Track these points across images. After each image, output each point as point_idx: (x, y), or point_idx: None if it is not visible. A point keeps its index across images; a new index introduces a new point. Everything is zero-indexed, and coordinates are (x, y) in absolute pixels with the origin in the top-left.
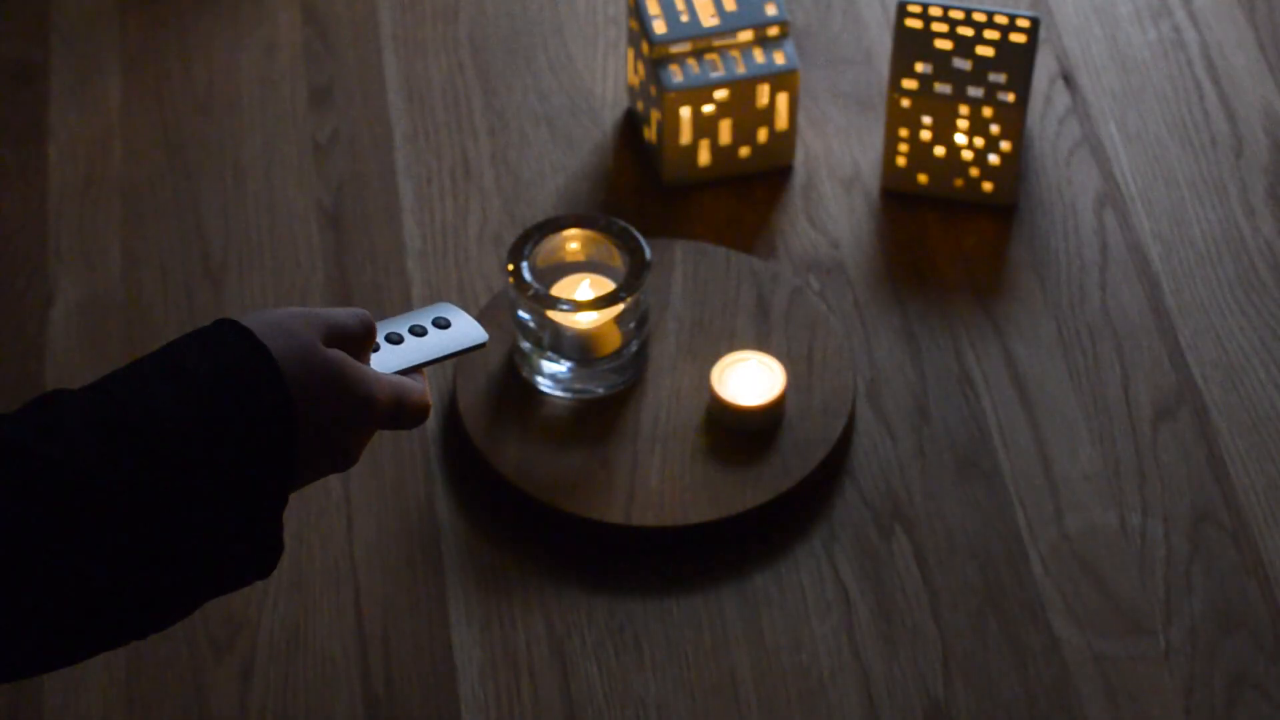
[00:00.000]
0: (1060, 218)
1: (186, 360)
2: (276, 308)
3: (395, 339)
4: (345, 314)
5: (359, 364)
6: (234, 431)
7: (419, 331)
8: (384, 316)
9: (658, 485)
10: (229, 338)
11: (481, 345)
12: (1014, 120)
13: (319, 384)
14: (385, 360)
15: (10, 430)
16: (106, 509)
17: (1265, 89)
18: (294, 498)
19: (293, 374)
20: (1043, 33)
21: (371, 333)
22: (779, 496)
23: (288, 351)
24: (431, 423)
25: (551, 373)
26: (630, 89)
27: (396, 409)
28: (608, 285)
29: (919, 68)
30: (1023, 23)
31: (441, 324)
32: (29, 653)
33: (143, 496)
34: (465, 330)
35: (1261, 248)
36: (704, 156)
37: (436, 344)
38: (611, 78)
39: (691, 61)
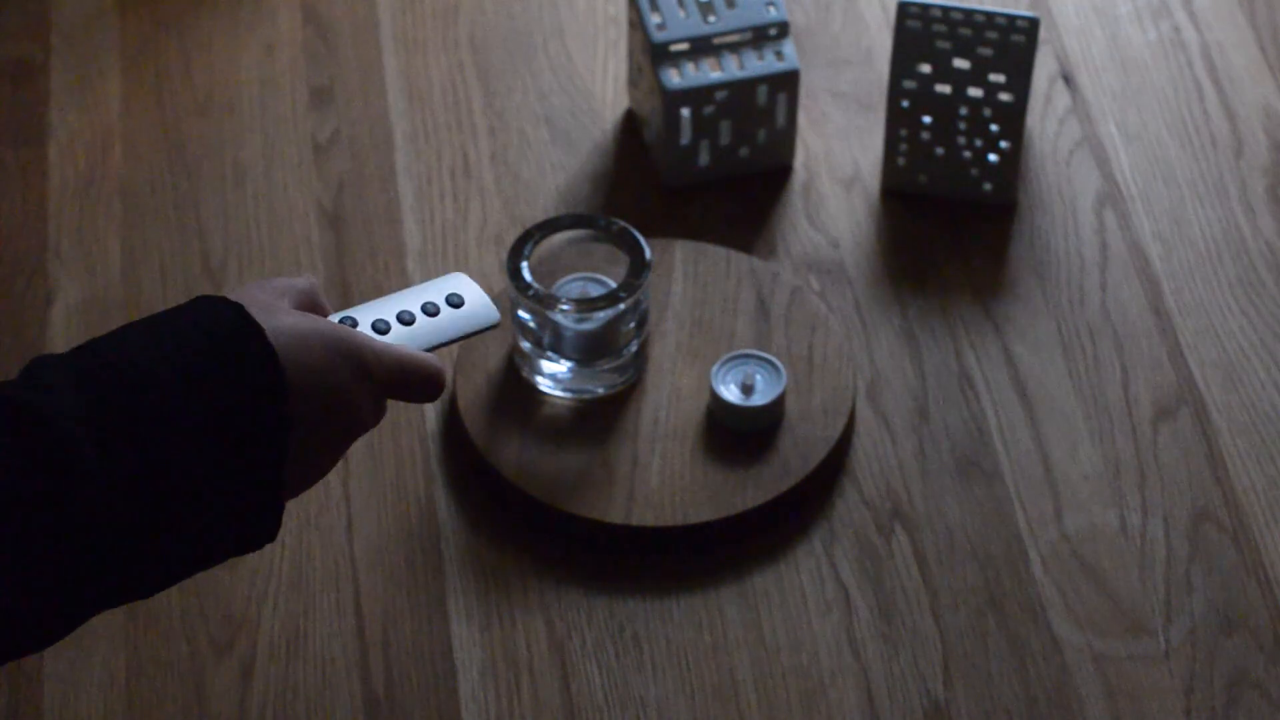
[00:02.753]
0: (1060, 218)
1: (169, 321)
2: None
3: (407, 319)
4: (296, 278)
5: (339, 324)
6: (223, 386)
7: (431, 310)
8: None
9: (658, 485)
10: (208, 304)
11: (494, 326)
12: (1014, 120)
13: (303, 338)
14: (395, 342)
15: None
16: (95, 461)
17: (1265, 89)
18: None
19: (279, 339)
20: (1043, 33)
21: (314, 287)
22: (779, 496)
23: (264, 314)
24: (432, 423)
25: (551, 373)
26: (630, 89)
27: (399, 368)
28: (608, 285)
29: (919, 68)
30: (1023, 23)
31: (454, 300)
32: (23, 615)
33: (130, 450)
34: (477, 310)
35: (1261, 248)
36: (704, 156)
37: (447, 326)
38: (611, 78)
39: (691, 62)
